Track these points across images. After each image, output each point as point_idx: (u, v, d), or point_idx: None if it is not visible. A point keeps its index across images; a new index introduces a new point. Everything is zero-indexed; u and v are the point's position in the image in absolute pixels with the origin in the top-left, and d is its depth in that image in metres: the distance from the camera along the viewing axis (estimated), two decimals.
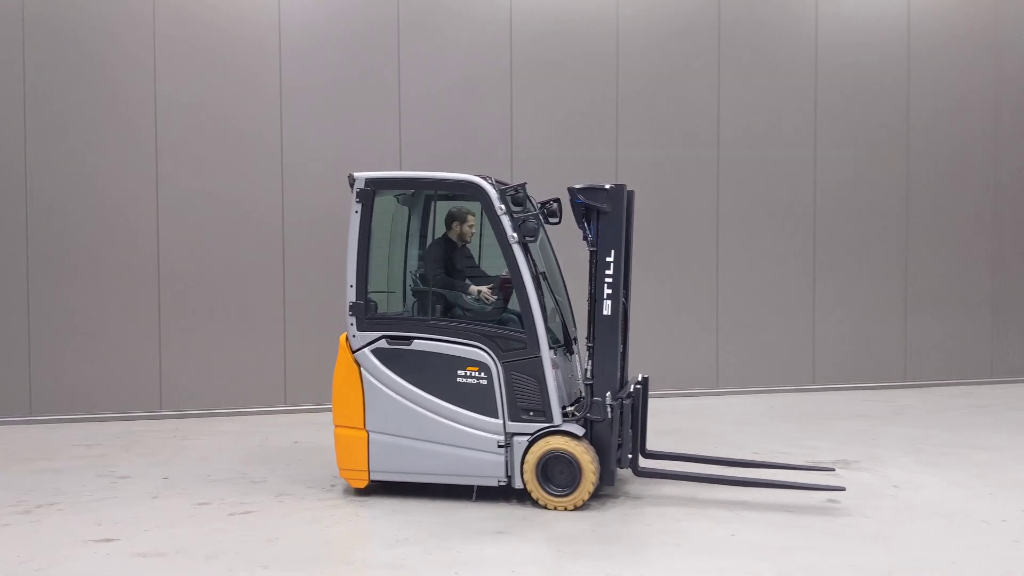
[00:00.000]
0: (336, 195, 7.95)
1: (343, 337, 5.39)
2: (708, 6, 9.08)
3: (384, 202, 5.56)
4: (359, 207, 5.27)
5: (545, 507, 4.99)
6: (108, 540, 4.62)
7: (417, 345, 5.17)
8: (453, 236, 5.66)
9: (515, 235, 5.06)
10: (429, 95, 8.53)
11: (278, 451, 6.73)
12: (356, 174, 5.35)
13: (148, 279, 8.10)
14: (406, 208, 5.83)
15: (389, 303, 5.58)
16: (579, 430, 5.00)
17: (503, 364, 5.04)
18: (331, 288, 8.29)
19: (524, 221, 5.08)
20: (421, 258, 5.71)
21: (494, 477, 5.07)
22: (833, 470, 5.70)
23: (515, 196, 5.30)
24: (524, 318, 5.06)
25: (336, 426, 5.32)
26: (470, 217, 5.64)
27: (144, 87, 8.07)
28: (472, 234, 5.71)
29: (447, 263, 5.53)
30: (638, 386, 5.40)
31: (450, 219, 5.66)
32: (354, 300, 5.27)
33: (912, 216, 9.54)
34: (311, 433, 7.35)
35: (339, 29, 8.41)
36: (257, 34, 8.25)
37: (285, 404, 8.33)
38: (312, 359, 8.35)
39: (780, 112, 9.26)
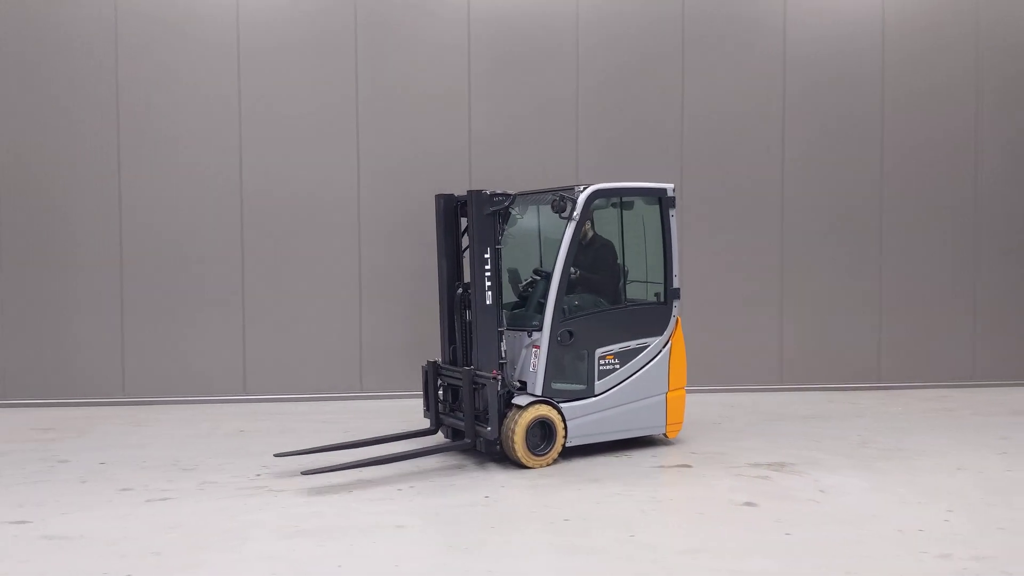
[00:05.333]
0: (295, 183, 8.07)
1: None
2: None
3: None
4: (674, 212, 6.42)
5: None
6: (21, 522, 4.72)
7: None
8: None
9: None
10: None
11: (221, 439, 6.80)
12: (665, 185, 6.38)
13: (111, 270, 8.25)
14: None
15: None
16: None
17: None
18: (289, 278, 8.40)
19: None
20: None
21: None
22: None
23: None
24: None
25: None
26: None
27: (107, 91, 8.21)
28: None
29: None
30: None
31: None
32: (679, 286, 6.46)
33: (886, 212, 9.32)
34: (261, 422, 7.43)
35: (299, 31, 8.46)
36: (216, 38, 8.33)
37: (245, 392, 8.42)
38: (272, 349, 8.45)
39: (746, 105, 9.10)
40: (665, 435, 6.49)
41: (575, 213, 5.96)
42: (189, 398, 8.31)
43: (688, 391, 6.66)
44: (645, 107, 8.90)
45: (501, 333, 5.97)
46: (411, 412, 7.45)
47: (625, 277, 6.48)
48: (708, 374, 8.72)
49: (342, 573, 3.93)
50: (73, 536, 4.48)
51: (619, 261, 6.43)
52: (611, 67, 8.85)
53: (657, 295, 6.49)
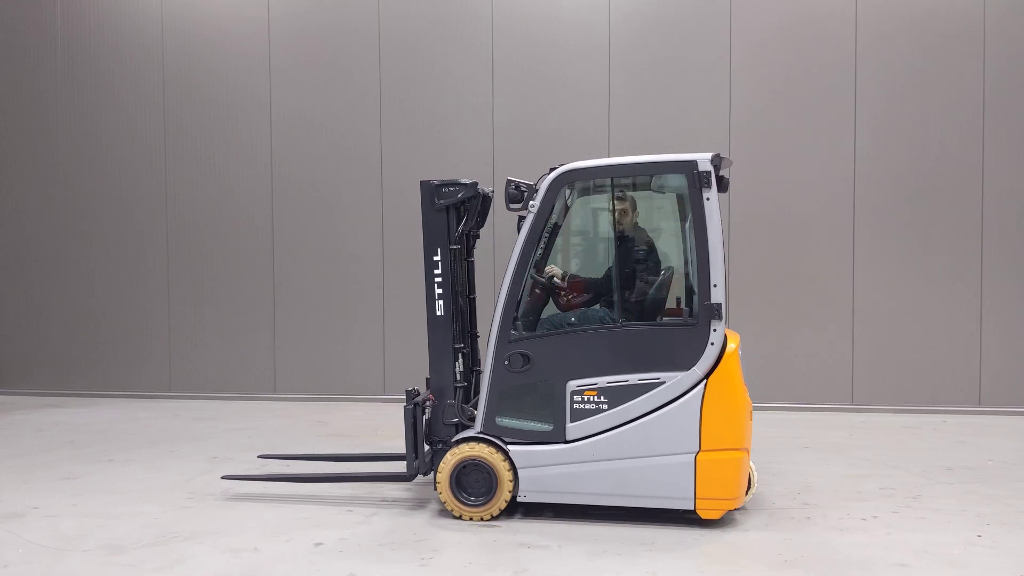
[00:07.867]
0: None
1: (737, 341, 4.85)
2: None
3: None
4: (712, 193, 4.67)
5: None
6: (492, 526, 4.76)
7: None
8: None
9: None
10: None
11: None
12: (716, 156, 4.71)
13: None
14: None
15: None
16: None
17: None
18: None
19: None
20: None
21: None
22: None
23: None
24: None
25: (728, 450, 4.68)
26: None
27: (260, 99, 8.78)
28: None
29: None
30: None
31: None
32: (721, 301, 4.65)
33: None
34: None
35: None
36: None
37: None
38: None
39: None
40: (694, 512, 4.65)
41: (532, 203, 4.83)
42: None
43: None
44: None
45: (458, 351, 5.16)
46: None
47: (657, 287, 5.04)
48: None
49: None
50: (551, 545, 4.40)
51: (665, 266, 5.10)
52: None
53: (684, 311, 4.86)
